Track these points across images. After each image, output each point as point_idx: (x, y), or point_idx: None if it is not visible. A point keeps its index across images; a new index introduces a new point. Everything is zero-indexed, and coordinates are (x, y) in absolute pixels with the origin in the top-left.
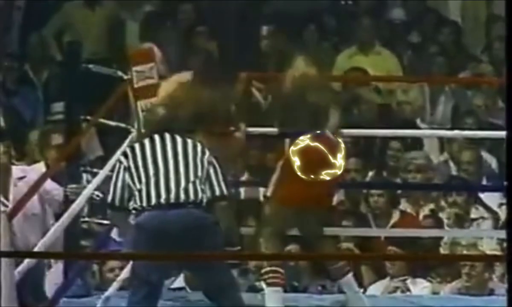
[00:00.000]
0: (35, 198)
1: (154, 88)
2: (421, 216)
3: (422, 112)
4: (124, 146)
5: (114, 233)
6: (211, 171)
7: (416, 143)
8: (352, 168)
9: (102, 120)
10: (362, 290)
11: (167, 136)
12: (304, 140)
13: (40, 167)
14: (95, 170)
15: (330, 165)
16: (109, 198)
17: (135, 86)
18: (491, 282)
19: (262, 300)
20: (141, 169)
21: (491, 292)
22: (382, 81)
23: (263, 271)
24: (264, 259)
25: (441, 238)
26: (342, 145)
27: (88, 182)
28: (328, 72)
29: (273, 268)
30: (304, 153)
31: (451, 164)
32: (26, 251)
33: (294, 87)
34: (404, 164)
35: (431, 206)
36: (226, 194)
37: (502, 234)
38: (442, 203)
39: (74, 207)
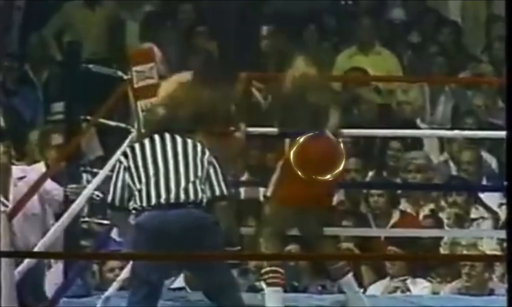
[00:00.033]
0: (35, 198)
1: (154, 88)
2: (421, 216)
3: (422, 112)
4: (124, 146)
5: (114, 233)
6: (211, 171)
7: (416, 143)
8: (352, 168)
9: (102, 120)
10: (362, 290)
11: (167, 136)
12: (304, 140)
13: (40, 167)
14: (95, 170)
15: (330, 165)
16: (109, 198)
17: (135, 86)
18: (491, 282)
19: (262, 300)
20: (141, 169)
21: (491, 292)
22: (382, 81)
23: (263, 271)
24: (264, 259)
25: (441, 238)
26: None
27: (88, 182)
28: (328, 72)
29: (273, 268)
30: (304, 153)
31: (451, 164)
32: (26, 251)
33: (294, 87)
34: (404, 164)
35: (431, 206)
36: (226, 194)
37: (502, 234)
38: (442, 203)
39: (74, 207)
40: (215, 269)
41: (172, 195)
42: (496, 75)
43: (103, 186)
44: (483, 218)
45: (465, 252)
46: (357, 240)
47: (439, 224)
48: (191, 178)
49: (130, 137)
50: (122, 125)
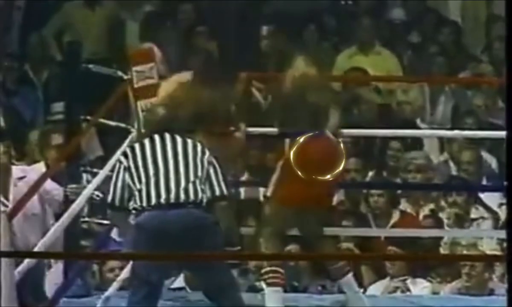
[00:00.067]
0: (35, 198)
1: (154, 88)
2: (421, 216)
3: (422, 112)
4: (124, 146)
5: (114, 233)
6: (211, 171)
7: (416, 143)
8: (352, 168)
9: (102, 120)
10: (362, 290)
11: (167, 136)
12: (304, 140)
13: (40, 167)
14: (95, 170)
15: (330, 165)
16: (109, 198)
17: (135, 86)
18: (491, 282)
19: (262, 300)
20: (141, 169)
21: (491, 292)
22: (382, 81)
23: (263, 271)
24: (264, 259)
25: (441, 238)
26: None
27: (88, 182)
28: (328, 72)
29: (273, 268)
30: (304, 153)
31: (451, 164)
32: (26, 251)
33: (294, 87)
34: (404, 164)
35: (431, 206)
36: (226, 194)
37: (502, 234)
38: (442, 203)
39: (74, 207)
40: (215, 269)
41: (172, 195)
42: (496, 75)
43: (103, 186)
44: (483, 218)
45: (465, 252)
46: (357, 240)
47: (439, 224)
48: (191, 178)
49: (130, 137)
50: (122, 125)
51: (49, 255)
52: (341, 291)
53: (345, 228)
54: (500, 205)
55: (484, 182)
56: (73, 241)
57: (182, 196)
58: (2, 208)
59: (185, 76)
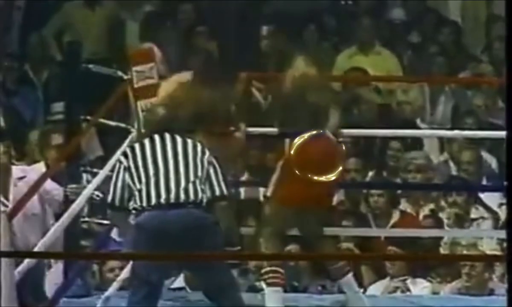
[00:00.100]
0: (35, 198)
1: (154, 88)
2: (421, 216)
3: (422, 112)
4: (124, 146)
5: (114, 233)
6: (211, 171)
7: (416, 143)
8: (352, 168)
9: (102, 120)
10: (362, 290)
11: (167, 136)
12: (304, 140)
13: (40, 167)
14: (95, 170)
15: (330, 165)
16: (109, 198)
17: (135, 86)
18: (491, 282)
19: (262, 300)
20: (141, 169)
21: (491, 292)
22: (382, 81)
23: (263, 271)
24: (264, 259)
25: (441, 238)
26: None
27: (88, 182)
28: (328, 72)
29: (273, 268)
30: (304, 153)
31: (451, 164)
32: (26, 251)
33: (294, 87)
34: (404, 164)
35: (431, 206)
36: (226, 194)
37: (502, 234)
38: (442, 203)
39: (74, 207)
40: (215, 269)
41: (172, 195)
42: (496, 75)
43: (103, 186)
44: (483, 218)
45: (465, 252)
46: (357, 240)
47: (439, 224)
48: (191, 178)
49: (130, 137)
50: (122, 125)
51: (49, 255)
52: (341, 291)
53: (345, 228)
54: (500, 205)
55: (484, 182)
56: (73, 241)
57: (182, 196)
58: (2, 208)
59: (185, 76)
